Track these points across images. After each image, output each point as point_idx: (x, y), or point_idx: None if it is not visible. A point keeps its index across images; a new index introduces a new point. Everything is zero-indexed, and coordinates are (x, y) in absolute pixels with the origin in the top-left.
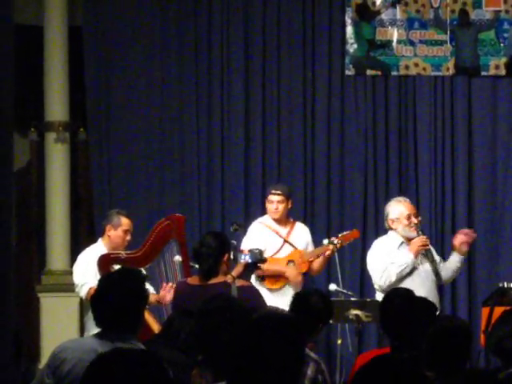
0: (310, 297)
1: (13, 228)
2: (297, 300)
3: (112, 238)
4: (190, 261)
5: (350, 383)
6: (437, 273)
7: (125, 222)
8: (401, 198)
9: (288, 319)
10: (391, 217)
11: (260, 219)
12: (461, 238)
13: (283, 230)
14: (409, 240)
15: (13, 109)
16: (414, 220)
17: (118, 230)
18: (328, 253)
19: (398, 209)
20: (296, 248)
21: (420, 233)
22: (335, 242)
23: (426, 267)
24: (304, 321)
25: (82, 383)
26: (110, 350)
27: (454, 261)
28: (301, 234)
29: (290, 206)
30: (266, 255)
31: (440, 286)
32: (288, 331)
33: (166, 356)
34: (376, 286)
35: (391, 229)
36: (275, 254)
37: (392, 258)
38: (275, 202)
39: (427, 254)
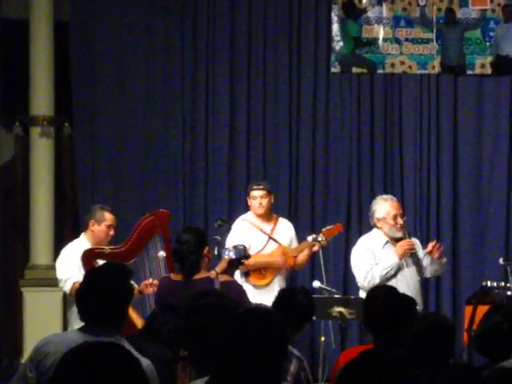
0: (296, 294)
1: None
2: (282, 297)
3: (95, 233)
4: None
5: (337, 377)
6: (421, 272)
7: (108, 217)
8: (387, 197)
9: (271, 315)
10: (377, 216)
11: (243, 216)
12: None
13: (267, 227)
14: (394, 240)
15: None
16: (400, 221)
17: (101, 225)
18: (314, 249)
19: (384, 208)
20: (280, 244)
21: (406, 234)
22: (319, 238)
23: (410, 267)
24: (289, 318)
25: (53, 378)
26: (79, 344)
27: (436, 262)
28: (285, 230)
29: (272, 201)
30: (250, 252)
31: (424, 284)
32: (271, 327)
33: (150, 351)
34: (359, 285)
35: (376, 226)
36: (260, 251)
37: (377, 259)
38: (258, 197)
39: (412, 255)
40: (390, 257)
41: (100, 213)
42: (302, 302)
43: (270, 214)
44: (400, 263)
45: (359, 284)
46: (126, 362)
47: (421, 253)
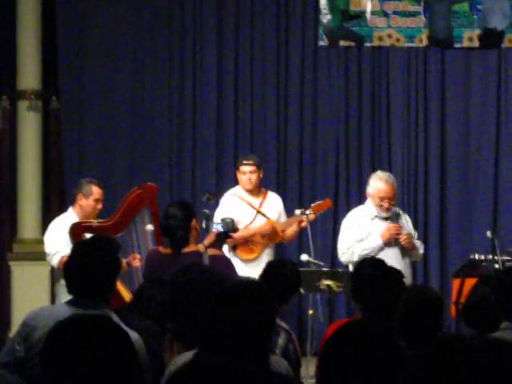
0: (283, 266)
1: None
2: (269, 269)
3: (83, 207)
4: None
5: (322, 348)
6: (405, 253)
7: (96, 190)
8: (383, 176)
9: (259, 288)
10: (368, 190)
11: (232, 190)
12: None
13: (256, 201)
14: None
15: None
16: (385, 204)
17: (89, 199)
18: (303, 224)
19: (375, 186)
20: (269, 218)
21: (394, 216)
22: (307, 212)
23: (392, 248)
24: (276, 290)
25: (42, 350)
26: (67, 316)
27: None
28: (273, 204)
29: (261, 176)
30: (239, 226)
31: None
32: (259, 300)
33: (138, 324)
34: (338, 256)
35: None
36: (248, 225)
37: (364, 232)
38: (248, 172)
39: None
40: (375, 236)
41: (87, 186)
42: (289, 274)
43: (258, 189)
44: (382, 246)
45: (338, 255)
46: (115, 335)
47: (412, 230)
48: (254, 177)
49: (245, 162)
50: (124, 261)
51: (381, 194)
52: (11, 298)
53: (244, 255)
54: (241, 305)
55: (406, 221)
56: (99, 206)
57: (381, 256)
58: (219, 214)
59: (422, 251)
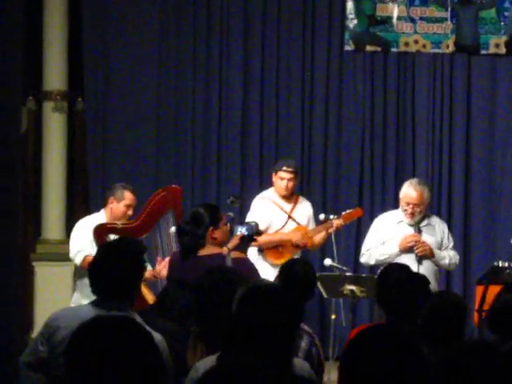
0: (294, 265)
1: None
2: (282, 269)
3: (113, 211)
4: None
5: (345, 351)
6: (425, 259)
7: (128, 196)
8: (416, 182)
9: (278, 289)
10: (400, 195)
11: (263, 194)
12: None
13: (287, 206)
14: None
15: (22, 77)
16: (410, 209)
17: (120, 204)
18: (331, 230)
19: (404, 190)
20: (299, 224)
21: (417, 226)
22: (331, 217)
23: (409, 256)
24: (290, 288)
25: (66, 351)
26: (92, 317)
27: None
28: (304, 210)
29: (297, 182)
30: (270, 231)
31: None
32: (278, 301)
33: (161, 326)
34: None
35: None
36: (279, 229)
37: (388, 234)
38: (286, 179)
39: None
40: (397, 241)
41: (120, 191)
42: (299, 271)
43: (291, 194)
44: (399, 254)
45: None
46: (139, 336)
47: (444, 238)
48: (291, 184)
49: (285, 168)
50: (150, 273)
51: (407, 199)
52: (34, 298)
53: (273, 259)
54: (261, 307)
55: (442, 232)
56: (130, 212)
57: (396, 260)
58: (251, 217)
59: (447, 262)
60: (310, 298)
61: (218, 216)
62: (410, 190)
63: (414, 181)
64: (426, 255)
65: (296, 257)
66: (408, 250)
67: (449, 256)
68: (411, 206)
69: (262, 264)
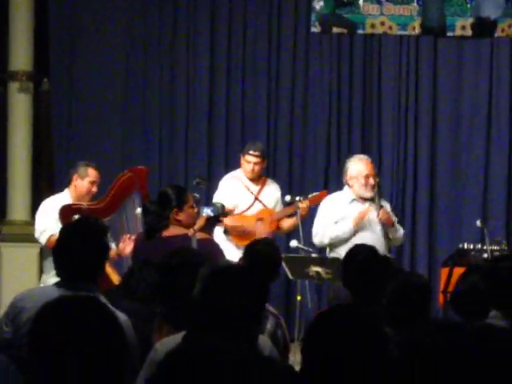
0: (262, 247)
1: None
2: (246, 250)
3: (77, 188)
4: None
5: (307, 331)
6: (384, 238)
7: (92, 173)
8: (363, 157)
9: (242, 269)
10: (350, 173)
11: (232, 174)
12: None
13: (254, 188)
14: (362, 199)
15: None
16: (371, 181)
17: (84, 181)
18: (303, 213)
19: (357, 167)
20: (266, 206)
21: (376, 197)
22: (297, 198)
23: (372, 236)
24: (258, 271)
25: (30, 331)
26: (55, 297)
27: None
28: (271, 192)
29: (264, 166)
30: (236, 211)
31: (399, 247)
32: (242, 281)
33: (126, 307)
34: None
35: (348, 184)
36: (245, 211)
37: (341, 214)
38: (252, 163)
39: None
40: (350, 219)
41: (84, 168)
42: (261, 250)
43: (259, 176)
44: (355, 229)
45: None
46: (103, 316)
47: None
48: (257, 167)
49: (251, 151)
50: (113, 250)
51: (365, 171)
52: (0, 279)
53: (238, 241)
54: (224, 287)
55: (386, 208)
56: (94, 189)
57: (357, 241)
58: (218, 196)
59: (401, 233)
60: (275, 277)
61: (184, 198)
62: (363, 164)
63: (360, 155)
64: (388, 222)
65: None
66: (363, 225)
67: (401, 228)
68: (371, 177)
69: (227, 245)
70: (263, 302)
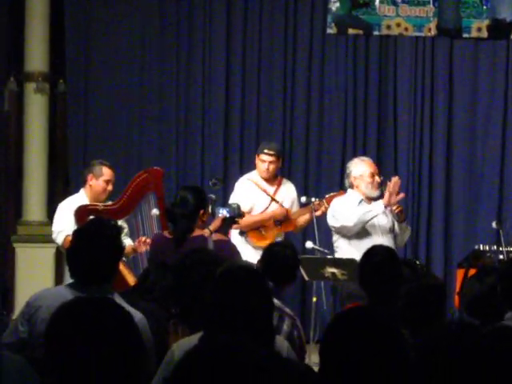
0: (280, 249)
1: None
2: (268, 251)
3: (93, 188)
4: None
5: (325, 333)
6: (395, 239)
7: (107, 172)
8: (364, 157)
9: (249, 270)
10: (354, 174)
11: (247, 176)
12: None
13: (270, 188)
14: (369, 199)
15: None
16: (377, 179)
17: (99, 180)
18: (318, 213)
19: (361, 167)
20: (282, 206)
21: (384, 192)
22: (313, 199)
23: (382, 236)
24: (275, 271)
25: (46, 332)
26: (70, 299)
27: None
28: (287, 192)
29: (279, 165)
30: (253, 213)
31: (415, 248)
32: (249, 282)
33: (142, 308)
34: (330, 227)
35: (352, 187)
36: (262, 212)
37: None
38: (267, 162)
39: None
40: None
41: (99, 167)
42: (287, 255)
43: (274, 176)
44: (379, 215)
45: (329, 225)
46: (118, 317)
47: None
48: (272, 167)
49: (266, 150)
50: (130, 246)
51: (370, 170)
52: (15, 280)
53: (256, 241)
54: (237, 288)
55: None
56: (109, 188)
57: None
58: (234, 198)
59: (408, 234)
60: (292, 280)
61: (207, 198)
62: (366, 164)
63: (362, 157)
64: (401, 213)
65: (279, 239)
66: (371, 230)
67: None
68: (375, 176)
69: (244, 246)
70: (269, 302)
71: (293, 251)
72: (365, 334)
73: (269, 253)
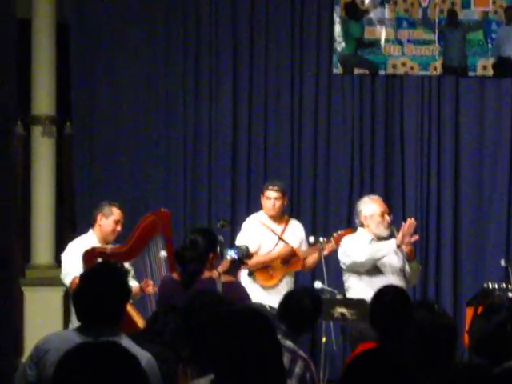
0: (303, 297)
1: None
2: (288, 299)
3: (102, 227)
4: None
5: (343, 374)
6: (406, 278)
7: (116, 212)
8: (374, 196)
9: (255, 314)
10: (364, 213)
11: (254, 216)
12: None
13: (278, 228)
14: (379, 238)
15: (15, 103)
16: (388, 218)
17: (108, 219)
18: (326, 252)
19: (371, 206)
20: (290, 246)
21: (394, 231)
22: (321, 239)
23: (392, 275)
24: (294, 320)
25: (53, 378)
26: (76, 345)
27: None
28: (295, 232)
29: (285, 203)
30: (260, 253)
31: (423, 286)
32: (258, 328)
33: (151, 351)
34: (341, 265)
35: (362, 226)
36: (270, 252)
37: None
38: (272, 198)
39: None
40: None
41: (108, 208)
42: (307, 305)
43: (281, 215)
44: (388, 254)
45: (341, 263)
46: (125, 361)
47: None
48: (278, 203)
49: (270, 187)
50: (137, 286)
51: (380, 209)
52: (24, 323)
53: (263, 281)
54: (237, 333)
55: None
56: (119, 228)
57: (379, 283)
58: (241, 240)
59: (418, 272)
60: (310, 330)
61: (217, 241)
62: (376, 203)
63: (370, 195)
64: (411, 253)
65: (288, 280)
66: (404, 243)
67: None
68: (386, 215)
69: (252, 287)
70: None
71: (312, 301)
72: (382, 376)
73: (286, 302)
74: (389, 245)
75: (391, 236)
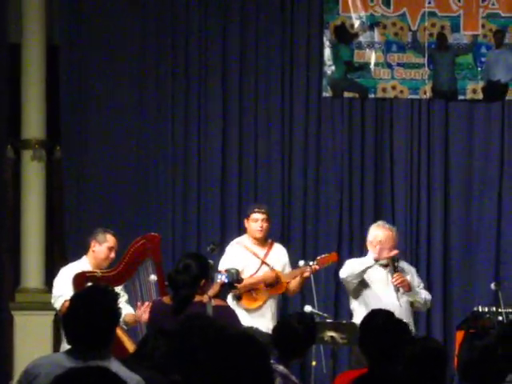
0: (296, 324)
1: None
2: (282, 326)
3: (96, 254)
4: (166, 280)
5: None
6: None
7: (110, 238)
8: (382, 224)
9: (248, 340)
10: (368, 238)
11: (238, 239)
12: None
13: (261, 251)
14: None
15: (6, 127)
16: (385, 247)
17: (102, 246)
18: (306, 274)
19: (373, 232)
20: (273, 269)
21: (393, 263)
22: (310, 263)
23: (389, 290)
24: (288, 346)
25: None
26: (65, 370)
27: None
28: (278, 256)
29: (269, 227)
30: (243, 276)
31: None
32: (249, 353)
33: (142, 375)
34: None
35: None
36: (253, 275)
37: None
38: (259, 220)
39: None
40: (374, 281)
41: (102, 234)
42: (301, 331)
43: (265, 239)
44: (370, 268)
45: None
46: None
47: (414, 280)
48: (265, 225)
49: (257, 210)
50: (132, 315)
51: (379, 238)
52: (14, 347)
53: (247, 304)
54: (229, 358)
55: (411, 273)
56: (112, 255)
57: (373, 304)
58: (224, 263)
59: (423, 298)
60: (302, 356)
61: (209, 267)
62: (381, 231)
63: (381, 222)
64: (403, 286)
65: (272, 303)
66: (377, 289)
67: (424, 292)
68: (388, 249)
69: (235, 309)
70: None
71: (306, 327)
72: None
73: (280, 327)
74: (367, 260)
75: (388, 264)
